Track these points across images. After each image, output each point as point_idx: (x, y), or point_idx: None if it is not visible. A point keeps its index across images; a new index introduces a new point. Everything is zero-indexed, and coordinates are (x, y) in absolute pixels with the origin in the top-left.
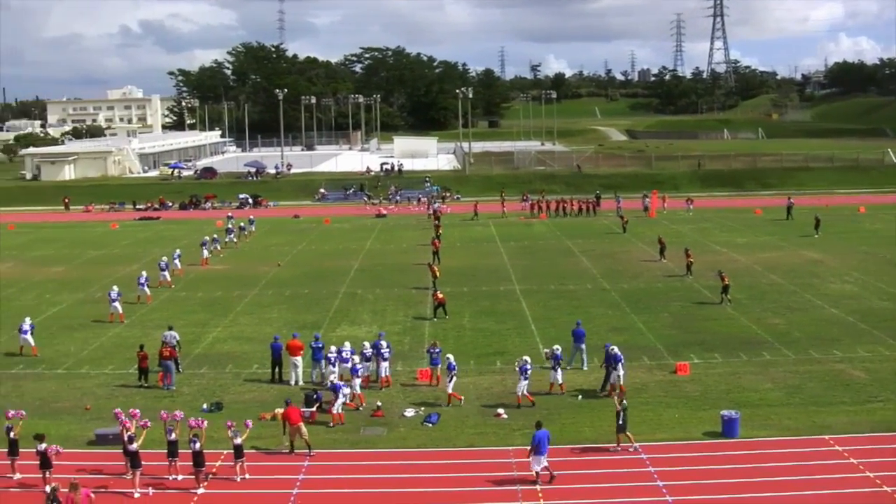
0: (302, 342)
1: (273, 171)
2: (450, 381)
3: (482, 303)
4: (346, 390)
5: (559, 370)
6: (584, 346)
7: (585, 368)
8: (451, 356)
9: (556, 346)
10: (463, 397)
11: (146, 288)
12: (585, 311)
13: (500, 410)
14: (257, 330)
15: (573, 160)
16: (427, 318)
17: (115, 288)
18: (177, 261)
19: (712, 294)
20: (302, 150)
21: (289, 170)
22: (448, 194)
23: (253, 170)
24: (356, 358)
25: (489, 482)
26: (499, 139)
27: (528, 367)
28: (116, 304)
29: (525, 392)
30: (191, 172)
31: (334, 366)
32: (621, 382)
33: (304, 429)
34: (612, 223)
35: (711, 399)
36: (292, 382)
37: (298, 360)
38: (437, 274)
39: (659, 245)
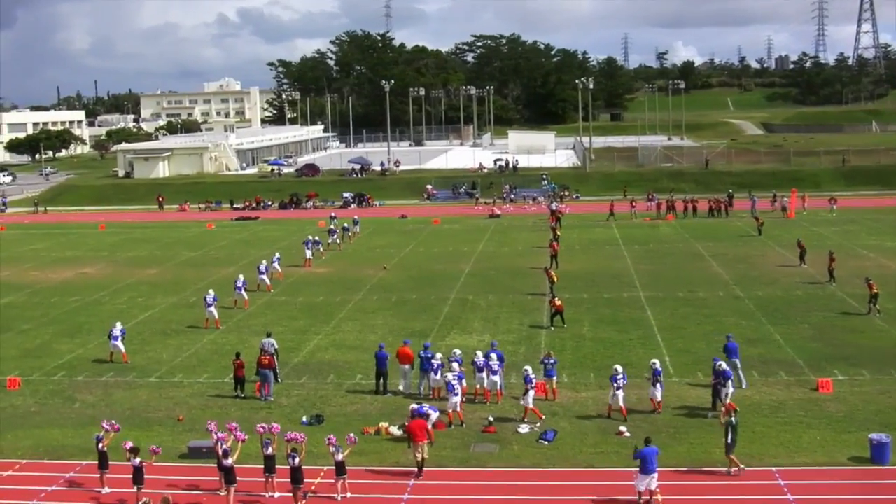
0: (412, 351)
1: (379, 167)
2: (524, 395)
3: (603, 311)
4: (457, 396)
5: (659, 386)
6: (738, 362)
7: (745, 387)
8: (528, 368)
9: (653, 361)
10: (543, 416)
11: (243, 292)
12: (717, 321)
13: (623, 428)
14: (361, 338)
15: (703, 156)
16: (543, 326)
17: (211, 292)
18: (276, 264)
19: (859, 304)
20: (410, 145)
21: (396, 167)
22: (567, 193)
23: (357, 167)
24: (450, 374)
25: None
26: (622, 133)
27: (619, 377)
28: (212, 308)
29: (620, 404)
30: (291, 170)
31: (437, 374)
32: (728, 401)
33: (426, 448)
34: (746, 225)
35: (858, 420)
36: (401, 387)
37: (408, 368)
38: (555, 279)
39: (798, 249)
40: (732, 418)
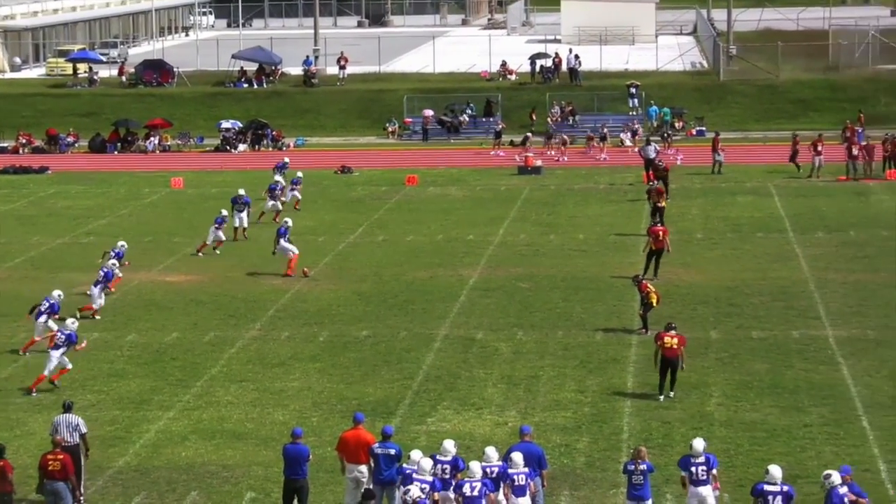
0: (372, 436)
1: (298, 70)
2: None
3: (752, 364)
4: None
5: None
6: None
7: None
8: (486, 464)
9: (828, 473)
10: None
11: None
12: None
13: None
14: (256, 416)
15: None
16: (629, 392)
17: None
18: (114, 265)
19: None
20: (360, 26)
21: (341, 69)
22: (679, 125)
23: (252, 68)
24: (414, 486)
25: None
26: (793, 3)
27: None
28: None
29: None
30: (114, 73)
31: (408, 489)
32: None
33: None
34: None
35: None
36: None
37: (363, 471)
38: (655, 300)
39: None
40: None
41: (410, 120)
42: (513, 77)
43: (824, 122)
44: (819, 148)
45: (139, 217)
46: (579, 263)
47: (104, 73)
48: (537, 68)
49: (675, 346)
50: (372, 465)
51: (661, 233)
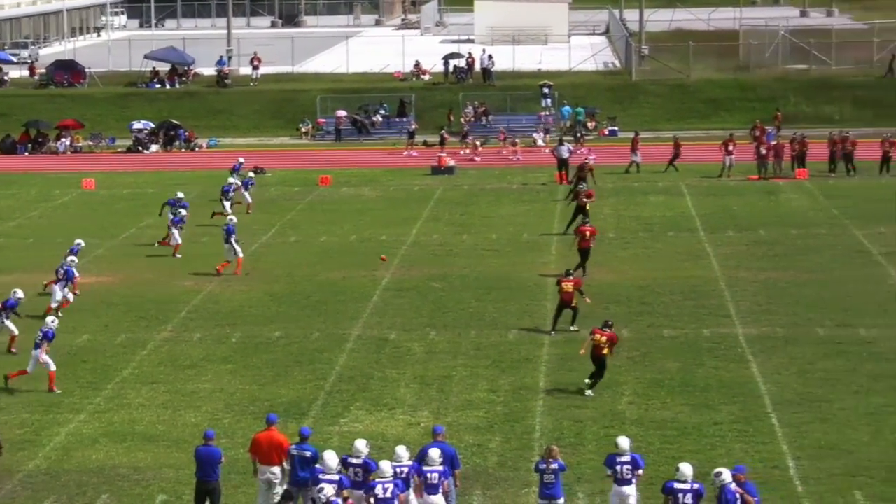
0: (285, 437)
1: (210, 71)
2: None
3: (663, 363)
4: None
5: None
6: None
7: None
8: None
9: (717, 471)
10: None
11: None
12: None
13: None
14: (168, 417)
15: (875, 50)
16: (542, 391)
17: None
18: (73, 261)
19: None
20: (273, 26)
21: (255, 70)
22: (591, 124)
23: (165, 68)
24: (329, 487)
25: None
26: (705, 3)
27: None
28: None
29: None
30: (25, 73)
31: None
32: None
33: None
34: None
35: None
36: None
37: (276, 472)
38: (579, 302)
39: None
40: None
41: (324, 120)
42: (426, 77)
43: (735, 122)
44: (730, 148)
45: (50, 219)
46: (492, 263)
47: (14, 73)
48: (451, 68)
49: (602, 343)
50: (286, 466)
51: (587, 232)
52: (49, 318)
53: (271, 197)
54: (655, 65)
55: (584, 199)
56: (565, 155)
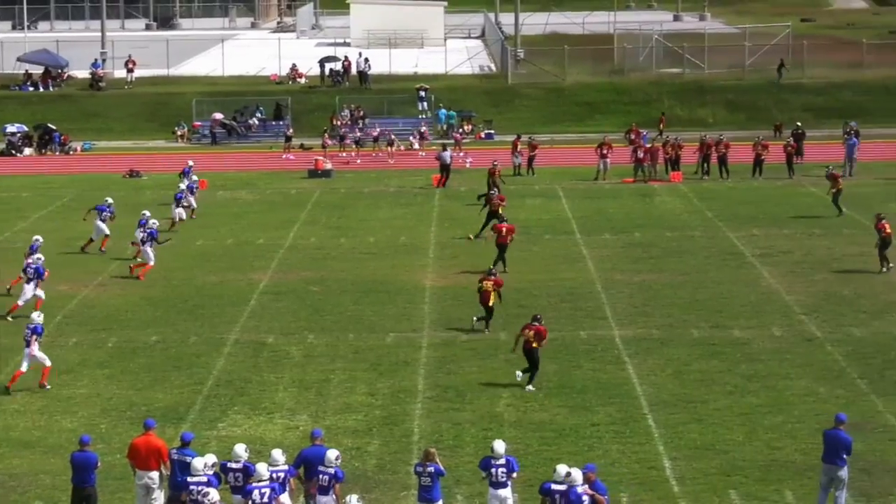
0: (163, 442)
1: (84, 73)
2: None
3: (541, 364)
4: None
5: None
6: (844, 475)
7: None
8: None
9: (560, 471)
10: None
11: None
12: (770, 388)
13: None
14: (42, 424)
15: (745, 53)
16: (420, 394)
17: None
18: (39, 258)
19: None
20: (148, 28)
21: (129, 73)
22: (468, 127)
23: (38, 70)
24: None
25: None
26: (580, 7)
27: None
28: None
29: None
30: None
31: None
32: None
33: None
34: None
35: None
36: None
37: (154, 477)
38: (494, 298)
39: (880, 233)
40: None
41: (199, 123)
42: (302, 80)
43: (609, 125)
44: (605, 151)
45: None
46: (370, 266)
47: None
48: (327, 72)
49: (531, 338)
50: (164, 471)
51: (503, 229)
52: (35, 314)
53: (147, 201)
54: (531, 68)
55: (497, 203)
56: (448, 161)
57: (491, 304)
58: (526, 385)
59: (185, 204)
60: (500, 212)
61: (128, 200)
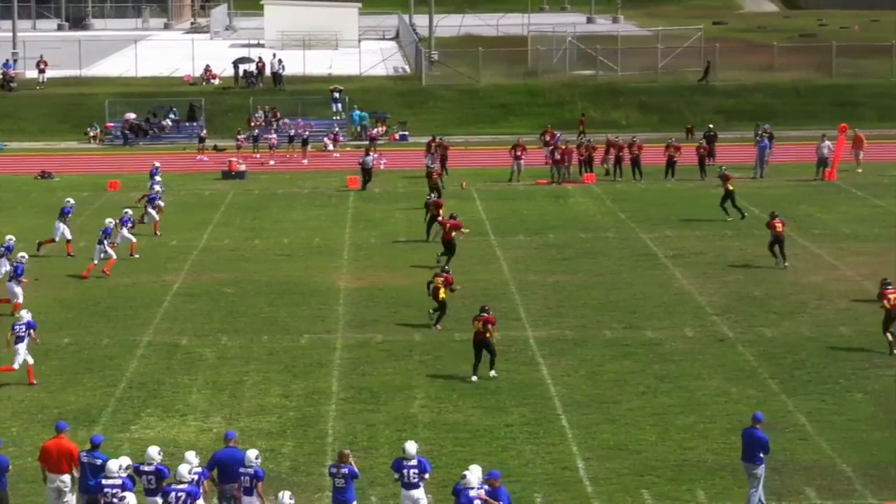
0: (75, 445)
1: None
2: None
3: (456, 365)
4: None
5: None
6: (760, 473)
7: None
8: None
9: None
10: None
11: None
12: (683, 388)
13: None
14: None
15: (658, 55)
16: (334, 396)
17: None
18: (23, 257)
19: None
20: (60, 29)
21: (41, 73)
22: (383, 128)
23: None
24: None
25: None
26: (493, 9)
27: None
28: None
29: None
30: None
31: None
32: None
33: None
34: (744, 192)
35: None
36: None
37: (66, 481)
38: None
39: (772, 231)
40: None
41: (112, 125)
42: (216, 81)
43: (523, 127)
44: (519, 153)
45: None
46: (284, 268)
47: None
48: (241, 73)
49: (479, 329)
50: (76, 474)
51: (447, 225)
52: (23, 312)
53: (59, 202)
54: (445, 70)
55: (435, 212)
56: (370, 165)
57: (441, 298)
58: (489, 371)
59: (157, 205)
60: (440, 214)
61: (40, 202)
